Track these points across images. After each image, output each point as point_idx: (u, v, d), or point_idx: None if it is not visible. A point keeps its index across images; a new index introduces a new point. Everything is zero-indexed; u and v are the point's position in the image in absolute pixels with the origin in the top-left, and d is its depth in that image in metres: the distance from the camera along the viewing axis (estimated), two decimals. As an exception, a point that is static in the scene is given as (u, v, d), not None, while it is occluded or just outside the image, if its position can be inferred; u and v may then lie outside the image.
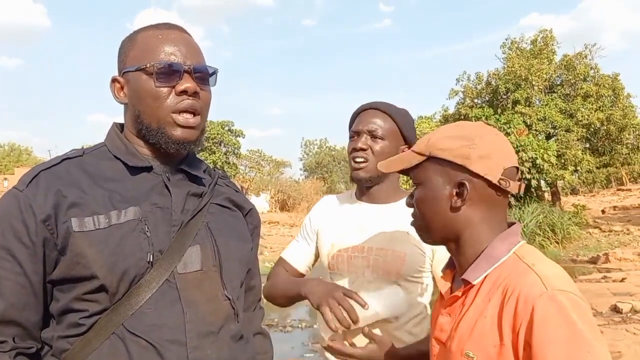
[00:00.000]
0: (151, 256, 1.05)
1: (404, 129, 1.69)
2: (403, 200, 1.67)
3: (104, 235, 1.03)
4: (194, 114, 1.13)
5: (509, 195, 1.13)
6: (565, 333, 0.89)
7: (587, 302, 0.95)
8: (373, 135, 1.65)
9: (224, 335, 1.12)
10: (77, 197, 1.05)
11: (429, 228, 1.14)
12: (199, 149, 1.22)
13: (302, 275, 1.81)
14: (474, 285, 1.06)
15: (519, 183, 1.08)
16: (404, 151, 1.65)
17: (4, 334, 1.02)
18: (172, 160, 1.17)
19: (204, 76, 1.15)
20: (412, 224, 1.19)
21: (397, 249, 1.62)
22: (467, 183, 1.06)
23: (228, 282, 1.16)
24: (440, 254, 1.62)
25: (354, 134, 1.69)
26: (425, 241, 1.19)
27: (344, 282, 1.64)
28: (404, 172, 1.18)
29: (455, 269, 1.16)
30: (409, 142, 1.70)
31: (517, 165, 1.11)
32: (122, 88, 1.15)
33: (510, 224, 1.12)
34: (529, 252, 1.05)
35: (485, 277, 1.05)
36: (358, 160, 1.65)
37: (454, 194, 1.07)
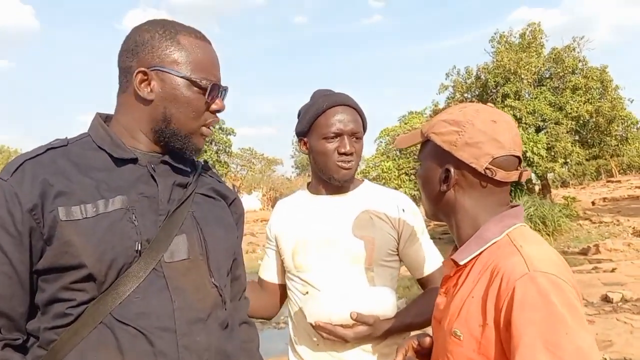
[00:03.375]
0: (139, 245, 1.05)
1: (365, 121, 1.71)
2: (361, 187, 1.73)
3: (91, 224, 1.03)
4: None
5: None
6: (543, 314, 0.88)
7: (572, 285, 0.94)
8: (355, 137, 1.65)
9: (212, 323, 1.13)
10: (64, 185, 1.04)
11: (426, 204, 1.18)
12: None
13: (284, 285, 1.79)
14: (465, 266, 1.07)
15: (517, 172, 1.07)
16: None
17: None
18: (157, 153, 1.17)
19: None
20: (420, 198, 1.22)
21: (366, 234, 1.62)
22: (452, 170, 1.06)
23: (215, 271, 1.17)
24: (406, 234, 1.64)
25: (334, 135, 1.62)
26: (428, 217, 1.21)
27: (315, 278, 1.63)
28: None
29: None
30: (364, 131, 1.72)
31: (517, 154, 1.07)
32: (149, 83, 1.12)
33: (513, 207, 1.11)
34: (521, 235, 1.04)
35: (477, 258, 1.05)
36: (348, 163, 1.63)
37: (442, 178, 1.08)
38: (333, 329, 1.48)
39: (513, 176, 1.06)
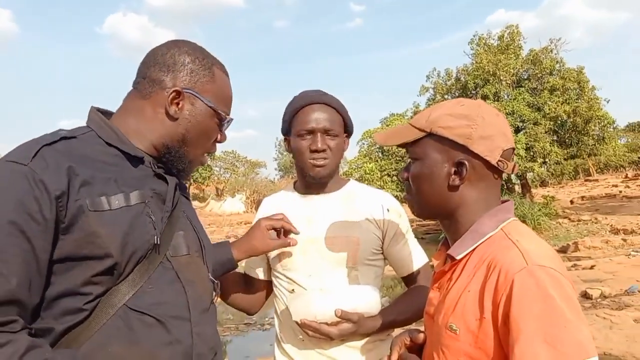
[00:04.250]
0: (158, 239, 1.09)
1: (347, 120, 1.70)
2: (346, 187, 1.74)
3: (116, 216, 1.04)
4: None
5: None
6: (542, 308, 0.89)
7: (569, 279, 0.95)
8: (330, 135, 1.65)
9: (212, 314, 1.22)
10: (88, 175, 1.04)
11: (423, 203, 1.14)
12: None
13: (269, 281, 1.81)
14: (460, 260, 1.07)
15: (513, 163, 1.09)
16: (345, 141, 1.72)
17: (12, 313, 0.96)
18: (155, 157, 1.21)
19: None
20: (406, 197, 1.18)
21: (350, 234, 1.63)
22: (466, 163, 1.05)
23: (209, 266, 1.26)
24: (390, 233, 1.68)
25: (307, 132, 1.63)
26: (418, 215, 1.18)
27: (301, 277, 1.65)
28: (401, 145, 1.17)
29: (448, 246, 1.16)
30: (348, 131, 1.72)
31: (514, 146, 1.11)
32: (178, 103, 1.17)
33: (504, 202, 1.13)
34: (516, 229, 1.05)
35: (472, 252, 1.06)
36: (320, 161, 1.64)
37: (452, 172, 1.07)
38: (318, 326, 1.50)
39: (511, 168, 1.09)
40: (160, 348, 1.06)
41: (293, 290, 1.65)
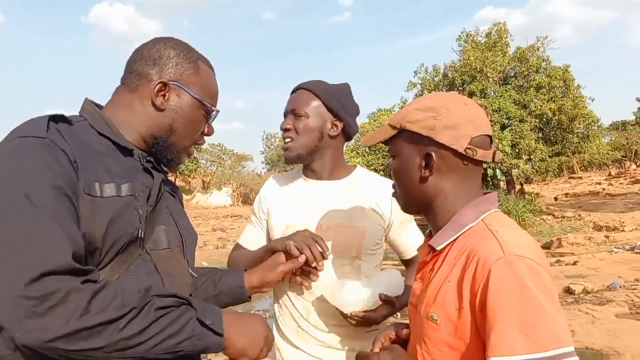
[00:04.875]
0: (142, 233, 1.10)
1: (329, 103, 1.68)
2: (353, 175, 1.75)
3: (106, 204, 1.05)
4: None
5: (483, 165, 1.13)
6: (518, 297, 0.89)
7: (548, 270, 0.95)
8: (296, 115, 1.67)
9: None
10: (84, 159, 1.05)
11: (404, 198, 1.17)
12: None
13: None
14: (441, 251, 1.08)
15: (491, 151, 1.10)
16: (334, 124, 1.69)
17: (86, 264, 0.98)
18: (144, 150, 1.23)
19: None
20: (393, 194, 1.22)
21: (357, 224, 1.65)
22: (433, 154, 1.07)
23: (190, 261, 1.27)
24: (396, 222, 1.70)
25: (284, 115, 1.72)
26: (404, 211, 1.21)
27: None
28: (383, 143, 1.19)
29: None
30: (337, 114, 1.69)
31: (490, 133, 1.10)
32: (165, 94, 1.20)
33: (487, 194, 1.13)
34: (497, 220, 1.06)
35: (453, 243, 1.07)
36: (286, 140, 1.69)
37: (423, 165, 1.09)
38: (365, 315, 1.53)
39: (488, 155, 1.09)
40: None
41: (297, 278, 1.60)
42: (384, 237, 1.72)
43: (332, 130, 1.69)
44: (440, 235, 1.09)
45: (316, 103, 1.67)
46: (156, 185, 1.19)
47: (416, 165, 1.10)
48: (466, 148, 1.06)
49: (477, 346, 0.95)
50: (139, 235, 1.09)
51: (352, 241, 1.64)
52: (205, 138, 1.34)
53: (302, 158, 1.69)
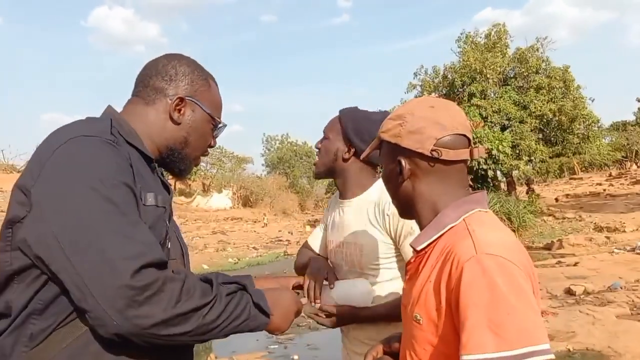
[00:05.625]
0: (169, 243, 1.20)
1: (348, 131, 1.79)
2: (365, 193, 1.81)
3: (148, 212, 1.12)
4: None
5: (466, 163, 1.15)
6: (487, 296, 0.90)
7: (523, 268, 0.96)
8: (324, 136, 1.85)
9: None
10: (136, 165, 1.13)
11: (395, 204, 1.22)
12: None
13: (318, 254, 1.99)
14: (426, 252, 1.10)
15: (466, 150, 1.10)
16: (348, 147, 1.80)
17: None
18: (157, 159, 1.29)
19: None
20: (392, 203, 1.25)
21: (357, 241, 1.75)
22: (402, 160, 1.11)
23: (188, 270, 1.33)
24: (405, 232, 1.70)
25: None
26: (401, 216, 1.25)
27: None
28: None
29: None
30: (352, 143, 1.79)
31: (461, 132, 1.10)
32: (180, 109, 1.28)
33: (475, 193, 1.14)
34: (478, 219, 1.07)
35: (436, 244, 1.08)
36: (316, 158, 1.88)
37: (398, 171, 1.13)
38: (319, 314, 1.68)
39: (463, 154, 1.10)
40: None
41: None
42: (393, 252, 1.73)
43: (345, 153, 1.81)
44: (422, 235, 1.11)
45: (337, 127, 1.82)
46: (171, 199, 1.27)
47: (395, 172, 1.14)
48: (431, 150, 1.07)
49: (457, 345, 0.95)
50: (167, 246, 1.19)
51: (353, 258, 1.76)
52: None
53: (322, 176, 1.90)
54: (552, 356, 0.88)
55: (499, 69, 21.75)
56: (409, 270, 1.17)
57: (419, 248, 1.11)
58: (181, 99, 1.27)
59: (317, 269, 1.71)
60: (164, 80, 1.27)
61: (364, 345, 1.68)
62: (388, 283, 1.73)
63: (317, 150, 1.87)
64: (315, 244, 2.02)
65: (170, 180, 1.46)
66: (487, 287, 0.91)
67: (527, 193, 22.53)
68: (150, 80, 1.28)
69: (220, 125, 1.38)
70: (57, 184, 0.99)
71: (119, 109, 1.28)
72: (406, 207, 1.18)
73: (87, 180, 0.99)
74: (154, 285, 0.96)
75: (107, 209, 0.98)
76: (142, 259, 0.97)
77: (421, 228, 1.15)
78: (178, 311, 0.98)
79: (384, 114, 1.80)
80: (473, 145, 1.13)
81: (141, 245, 0.99)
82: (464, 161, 1.13)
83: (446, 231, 1.07)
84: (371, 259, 1.71)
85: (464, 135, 1.11)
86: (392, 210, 1.73)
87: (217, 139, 1.39)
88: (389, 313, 1.65)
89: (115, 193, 1.01)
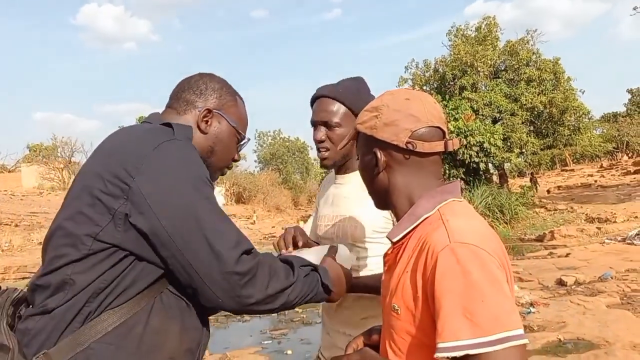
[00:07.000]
0: None
1: (355, 108, 1.70)
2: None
3: None
4: None
5: (441, 155, 1.16)
6: (460, 284, 0.91)
7: (496, 256, 0.97)
8: (329, 126, 1.72)
9: None
10: None
11: (371, 195, 1.23)
12: None
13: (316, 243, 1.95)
14: (402, 243, 1.11)
15: (441, 142, 1.11)
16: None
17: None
18: None
19: None
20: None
21: (353, 213, 1.73)
22: (378, 151, 1.13)
23: None
24: None
25: (312, 125, 1.77)
26: (377, 207, 1.26)
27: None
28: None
29: None
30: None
31: (436, 125, 1.12)
32: (208, 120, 1.39)
33: (450, 184, 1.15)
34: (451, 209, 1.08)
35: (412, 234, 1.09)
36: (321, 151, 1.76)
37: (374, 163, 1.14)
38: None
39: (437, 147, 1.11)
40: (187, 330, 1.23)
41: None
42: (391, 227, 1.70)
43: None
44: (397, 227, 1.13)
45: (343, 110, 1.73)
46: None
47: (371, 164, 1.15)
48: (406, 142, 1.09)
49: (434, 334, 0.96)
50: None
51: (347, 230, 1.73)
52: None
53: (338, 163, 1.80)
54: (526, 340, 0.90)
55: (489, 61, 21.79)
56: (387, 261, 1.18)
57: (394, 240, 1.12)
58: (209, 111, 1.38)
59: (288, 230, 1.74)
60: (194, 93, 1.40)
61: (345, 329, 1.68)
62: (379, 258, 1.71)
63: (322, 142, 1.74)
64: (306, 227, 2.03)
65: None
66: (461, 276, 0.92)
67: (530, 181, 22.75)
68: (182, 93, 1.41)
69: (244, 140, 1.48)
70: (164, 182, 1.14)
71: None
72: (382, 198, 1.19)
73: (190, 179, 1.16)
74: (252, 270, 1.15)
75: (206, 206, 1.15)
76: (240, 248, 1.15)
77: (397, 219, 1.17)
78: (270, 292, 1.18)
79: (362, 83, 1.81)
80: (447, 138, 1.14)
81: (236, 236, 1.17)
82: (439, 153, 1.14)
83: (421, 222, 1.09)
84: (367, 232, 1.70)
85: (439, 128, 1.12)
86: None
87: (240, 154, 1.49)
88: (377, 285, 1.64)
89: (208, 190, 1.18)
